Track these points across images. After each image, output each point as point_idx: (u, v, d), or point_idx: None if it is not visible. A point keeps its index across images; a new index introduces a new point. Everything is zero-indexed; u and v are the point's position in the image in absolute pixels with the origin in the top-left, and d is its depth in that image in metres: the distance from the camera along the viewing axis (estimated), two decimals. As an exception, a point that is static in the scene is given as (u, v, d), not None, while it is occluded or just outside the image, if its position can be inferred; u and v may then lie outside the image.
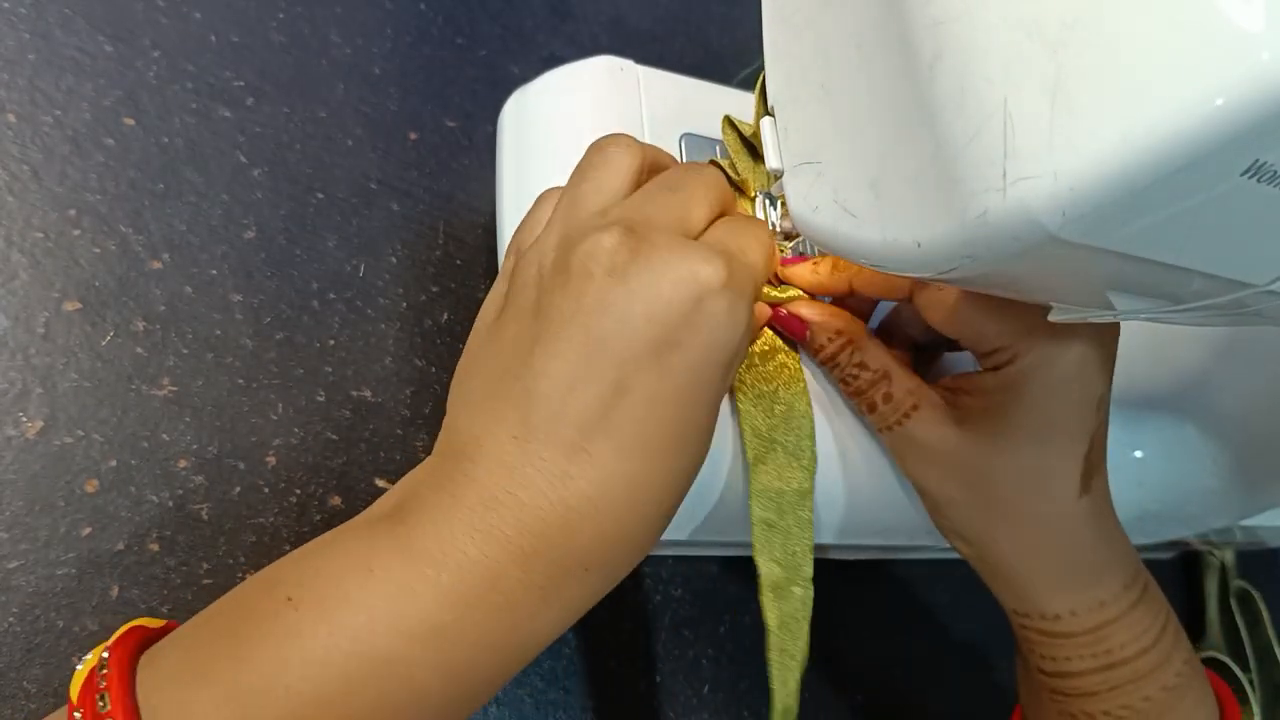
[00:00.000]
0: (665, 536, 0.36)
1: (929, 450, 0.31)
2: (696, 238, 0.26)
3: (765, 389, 0.32)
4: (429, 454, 0.37)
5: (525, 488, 0.23)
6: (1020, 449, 0.29)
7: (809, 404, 0.32)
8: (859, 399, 0.33)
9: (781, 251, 0.35)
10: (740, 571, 0.42)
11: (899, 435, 0.31)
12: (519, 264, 0.26)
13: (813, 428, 0.32)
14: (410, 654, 0.21)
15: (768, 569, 0.30)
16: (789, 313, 0.33)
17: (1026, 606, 0.31)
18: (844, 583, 0.45)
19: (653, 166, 0.28)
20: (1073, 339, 0.28)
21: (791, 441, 0.32)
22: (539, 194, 0.29)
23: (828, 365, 0.33)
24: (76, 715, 0.20)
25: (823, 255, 0.33)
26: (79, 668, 0.21)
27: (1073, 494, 0.29)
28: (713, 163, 0.35)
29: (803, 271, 0.33)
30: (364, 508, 0.35)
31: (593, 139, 0.34)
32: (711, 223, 0.27)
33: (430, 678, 0.21)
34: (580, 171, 0.27)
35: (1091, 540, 0.30)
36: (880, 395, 0.32)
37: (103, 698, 0.20)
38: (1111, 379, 0.30)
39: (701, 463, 0.25)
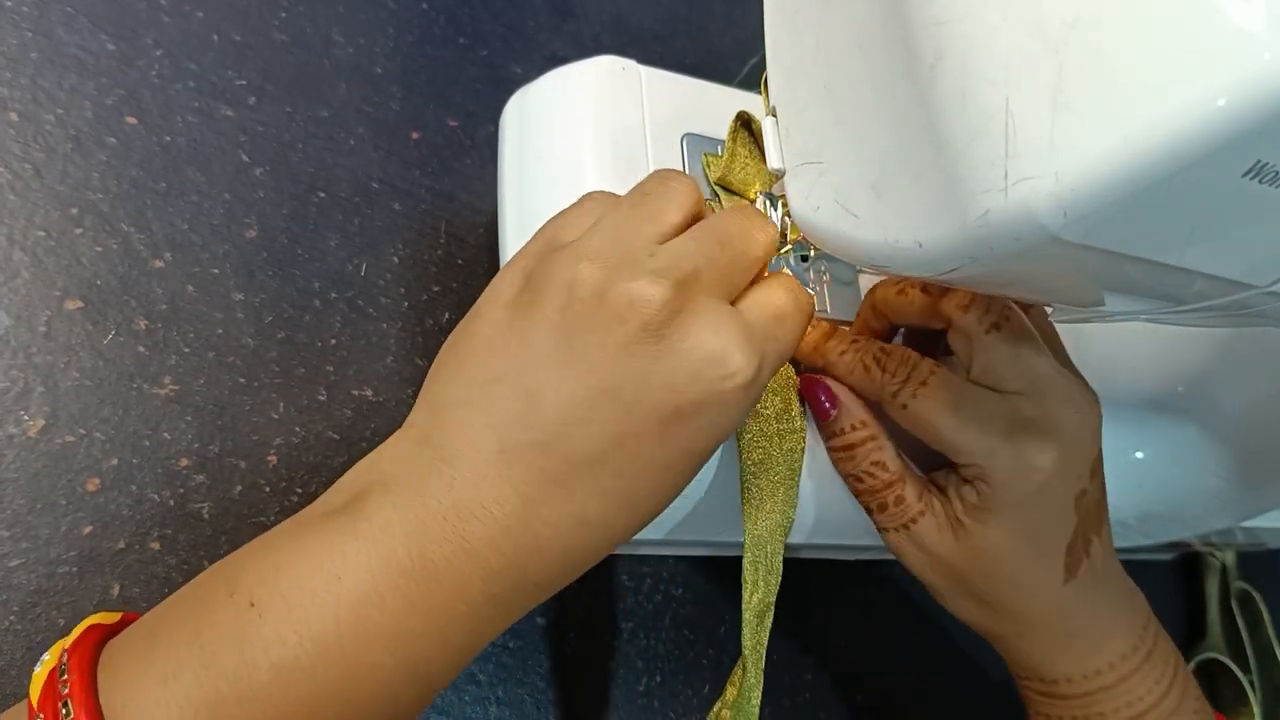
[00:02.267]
0: (667, 536, 0.36)
1: (928, 554, 0.31)
2: (738, 298, 0.26)
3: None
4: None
5: (500, 504, 0.23)
6: (1002, 559, 0.30)
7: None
8: (868, 497, 0.32)
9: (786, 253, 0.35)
10: (740, 571, 0.42)
11: (902, 536, 0.32)
12: (552, 260, 0.25)
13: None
14: (377, 658, 0.21)
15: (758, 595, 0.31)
16: (820, 384, 0.32)
17: (1026, 672, 0.33)
18: (844, 583, 0.45)
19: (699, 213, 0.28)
20: (1043, 449, 0.29)
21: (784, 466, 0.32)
22: (585, 192, 0.28)
23: (839, 452, 0.32)
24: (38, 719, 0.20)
25: (814, 325, 0.33)
26: (37, 669, 0.21)
27: (1056, 586, 0.31)
28: (707, 157, 0.35)
29: None
30: (365, 507, 0.35)
31: (595, 139, 0.34)
32: (757, 278, 0.27)
33: (395, 677, 0.22)
34: (642, 192, 0.26)
35: (1083, 618, 0.31)
36: (893, 498, 0.31)
37: (65, 705, 0.20)
38: (1097, 470, 0.31)
39: (663, 510, 0.26)
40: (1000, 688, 0.46)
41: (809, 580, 0.44)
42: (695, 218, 0.27)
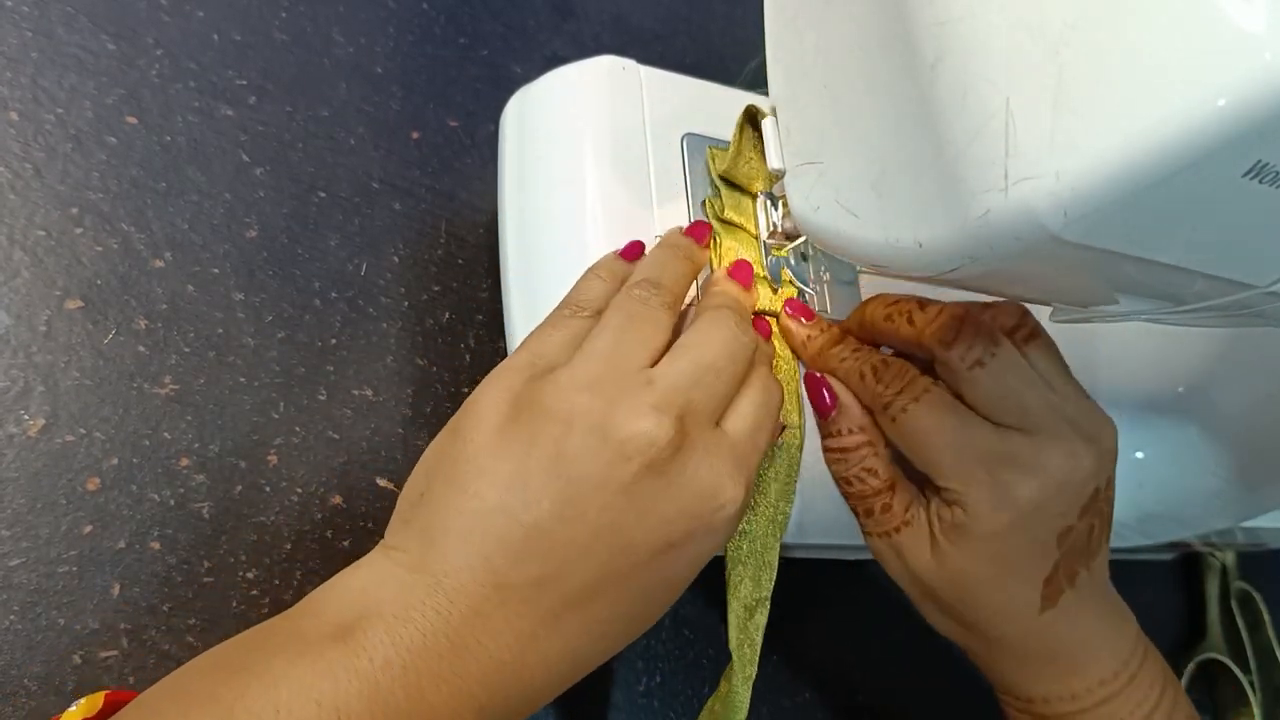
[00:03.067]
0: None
1: (907, 566, 0.31)
2: (723, 416, 0.27)
3: None
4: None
5: (495, 639, 0.23)
6: (975, 584, 0.30)
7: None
8: (856, 501, 0.32)
9: (778, 253, 0.35)
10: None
11: (884, 543, 0.32)
12: (545, 389, 0.25)
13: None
14: None
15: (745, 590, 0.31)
16: (822, 382, 0.33)
17: (1003, 688, 0.33)
18: (844, 583, 0.45)
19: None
20: (1022, 486, 0.29)
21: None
22: (556, 306, 0.29)
23: (834, 453, 0.32)
24: None
25: (823, 330, 0.34)
26: None
27: (1032, 614, 0.30)
28: (712, 150, 0.35)
29: (798, 332, 0.34)
30: (365, 508, 0.35)
31: (595, 139, 0.34)
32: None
33: None
34: (629, 315, 0.27)
35: (1061, 643, 0.31)
36: (879, 505, 0.31)
37: None
38: (1090, 508, 0.30)
39: (633, 640, 0.26)
40: (1000, 688, 0.46)
41: (809, 580, 0.44)
42: (678, 330, 0.28)
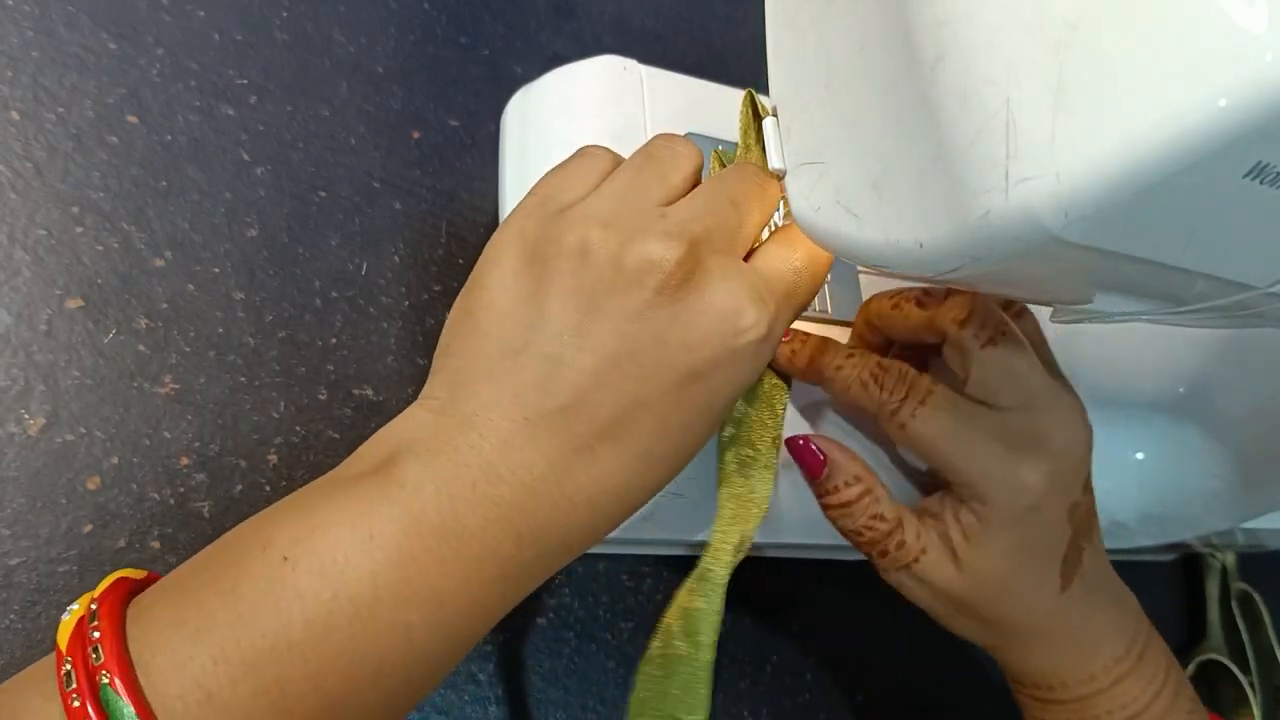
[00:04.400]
0: (666, 536, 0.36)
1: (932, 588, 0.32)
2: (751, 253, 0.26)
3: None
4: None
5: (529, 470, 0.23)
6: (1002, 578, 0.30)
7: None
8: (869, 548, 0.32)
9: None
10: (740, 572, 0.42)
11: (904, 574, 0.32)
12: (560, 225, 0.25)
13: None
14: (410, 618, 0.22)
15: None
16: (806, 443, 0.32)
17: (1022, 679, 0.33)
18: (845, 583, 0.45)
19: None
20: (1036, 466, 0.29)
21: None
22: (578, 148, 0.28)
23: (835, 510, 0.32)
24: (66, 664, 0.20)
25: (804, 340, 0.33)
26: (65, 617, 0.21)
27: (1052, 596, 0.31)
28: (716, 153, 0.35)
29: (781, 350, 0.33)
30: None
31: (596, 139, 0.34)
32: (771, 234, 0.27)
33: (428, 638, 0.22)
34: (647, 155, 0.27)
35: (1078, 625, 0.31)
36: (894, 544, 0.31)
37: (95, 650, 0.20)
38: (1085, 481, 0.31)
39: (682, 469, 0.26)
40: (1000, 688, 0.46)
41: (809, 580, 0.44)
42: (698, 179, 0.27)
